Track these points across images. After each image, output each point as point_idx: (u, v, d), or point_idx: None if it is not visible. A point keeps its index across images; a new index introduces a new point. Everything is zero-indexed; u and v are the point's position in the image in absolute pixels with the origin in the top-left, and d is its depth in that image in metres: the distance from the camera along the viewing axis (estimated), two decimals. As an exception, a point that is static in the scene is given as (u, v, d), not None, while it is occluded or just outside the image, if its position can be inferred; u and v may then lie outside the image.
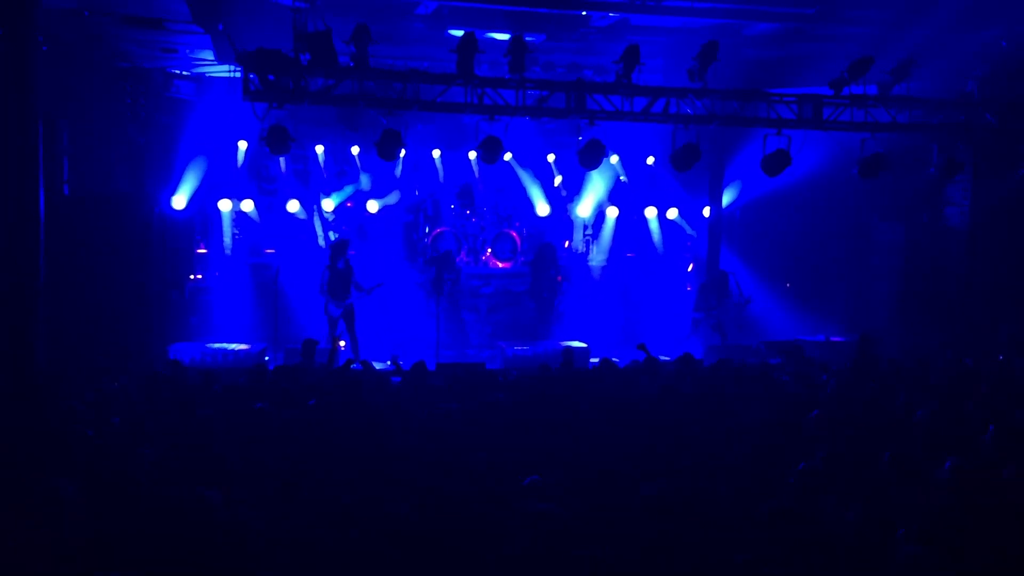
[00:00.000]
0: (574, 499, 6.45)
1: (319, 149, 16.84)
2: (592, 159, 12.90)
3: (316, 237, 17.07)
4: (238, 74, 11.68)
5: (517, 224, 18.01)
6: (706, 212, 17.54)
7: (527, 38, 12.10)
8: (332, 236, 16.88)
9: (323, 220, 17.15)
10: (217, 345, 14.26)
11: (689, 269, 18.39)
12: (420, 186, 17.76)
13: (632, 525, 6.04)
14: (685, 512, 6.10)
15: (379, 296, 15.16)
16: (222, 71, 14.13)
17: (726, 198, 17.42)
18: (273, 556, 5.68)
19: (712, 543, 5.85)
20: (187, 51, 13.67)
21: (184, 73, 15.09)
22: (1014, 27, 12.94)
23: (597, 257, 18.40)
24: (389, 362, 11.41)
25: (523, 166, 17.66)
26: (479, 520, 6.07)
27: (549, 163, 17.86)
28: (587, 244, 18.53)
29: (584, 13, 13.11)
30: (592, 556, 5.45)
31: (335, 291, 14.58)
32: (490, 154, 12.63)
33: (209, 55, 13.64)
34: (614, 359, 11.17)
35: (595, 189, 17.97)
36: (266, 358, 14.36)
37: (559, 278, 16.89)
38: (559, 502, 6.17)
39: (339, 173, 17.28)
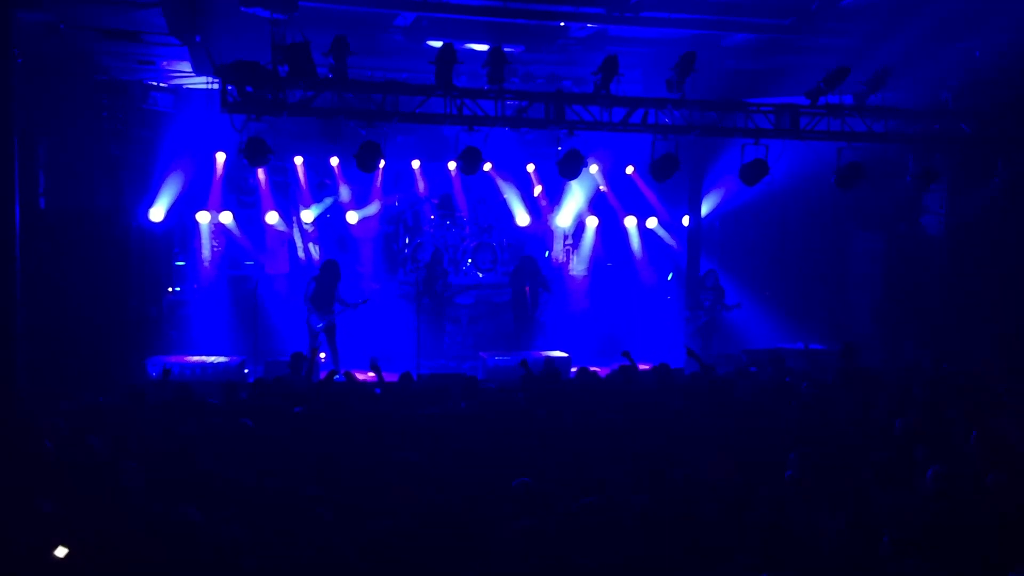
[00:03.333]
0: (560, 511, 6.45)
1: (298, 161, 16.80)
2: (571, 169, 12.93)
3: (296, 249, 17.02)
4: (216, 86, 11.63)
5: (497, 234, 18.01)
6: (685, 221, 17.63)
7: (506, 49, 12.13)
8: (312, 248, 16.84)
9: (303, 232, 17.10)
10: (196, 358, 14.16)
11: (669, 278, 18.45)
12: (400, 197, 17.74)
13: (619, 537, 6.05)
14: (671, 523, 6.10)
15: (360, 307, 15.14)
16: (200, 83, 14.05)
17: (705, 207, 17.50)
18: (257, 571, 5.64)
19: (699, 554, 5.85)
20: (164, 63, 13.60)
21: (162, 85, 15.00)
22: (988, 38, 13.09)
23: (577, 267, 18.45)
24: (370, 371, 11.37)
25: (503, 176, 17.68)
26: (465, 533, 6.06)
27: (529, 173, 17.89)
28: (567, 254, 18.57)
29: (562, 24, 13.16)
30: (580, 568, 5.45)
31: (320, 304, 14.56)
32: (470, 165, 12.64)
33: (187, 67, 13.57)
34: (593, 368, 11.21)
35: (575, 199, 18.03)
36: (245, 371, 14.28)
37: (526, 288, 16.82)
38: (545, 514, 6.17)
39: (319, 185, 17.24)
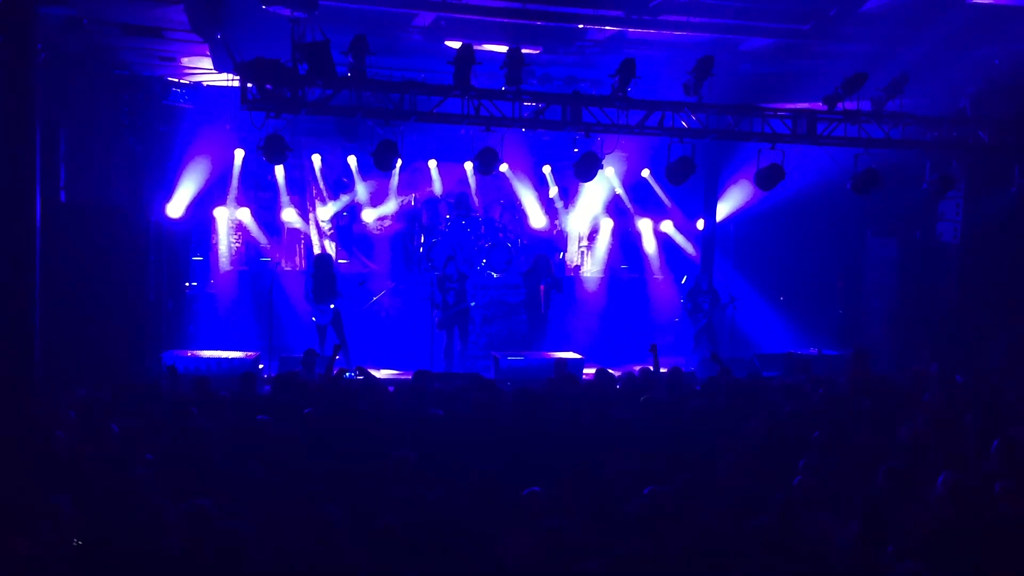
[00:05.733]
0: (568, 512, 6.48)
1: (316, 158, 16.88)
2: (587, 171, 12.97)
3: (312, 246, 17.12)
4: (236, 83, 11.73)
5: (512, 235, 18.05)
6: (700, 225, 17.64)
7: (524, 51, 12.17)
8: (328, 245, 16.94)
9: (319, 229, 17.19)
10: (211, 353, 14.25)
11: (683, 281, 18.45)
12: (416, 196, 17.79)
13: (625, 539, 6.07)
14: (678, 526, 6.12)
15: (373, 306, 15.26)
16: (220, 80, 14.17)
17: (721, 211, 17.50)
18: (266, 569, 5.69)
19: (705, 557, 5.87)
20: (185, 60, 13.70)
21: (182, 81, 15.13)
22: (1007, 45, 13.05)
23: (592, 269, 18.48)
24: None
25: (519, 177, 17.71)
26: (474, 533, 6.09)
27: (545, 174, 17.92)
28: (582, 256, 18.60)
29: (581, 27, 13.19)
30: (586, 570, 5.47)
31: (320, 297, 14.74)
32: (486, 165, 12.70)
33: (207, 64, 13.67)
34: (610, 370, 11.24)
35: (590, 201, 18.05)
36: (260, 366, 14.36)
37: (542, 288, 16.85)
38: (553, 515, 6.19)
39: (335, 182, 17.32)
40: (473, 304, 15.90)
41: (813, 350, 16.19)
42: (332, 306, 14.81)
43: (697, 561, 5.81)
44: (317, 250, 17.02)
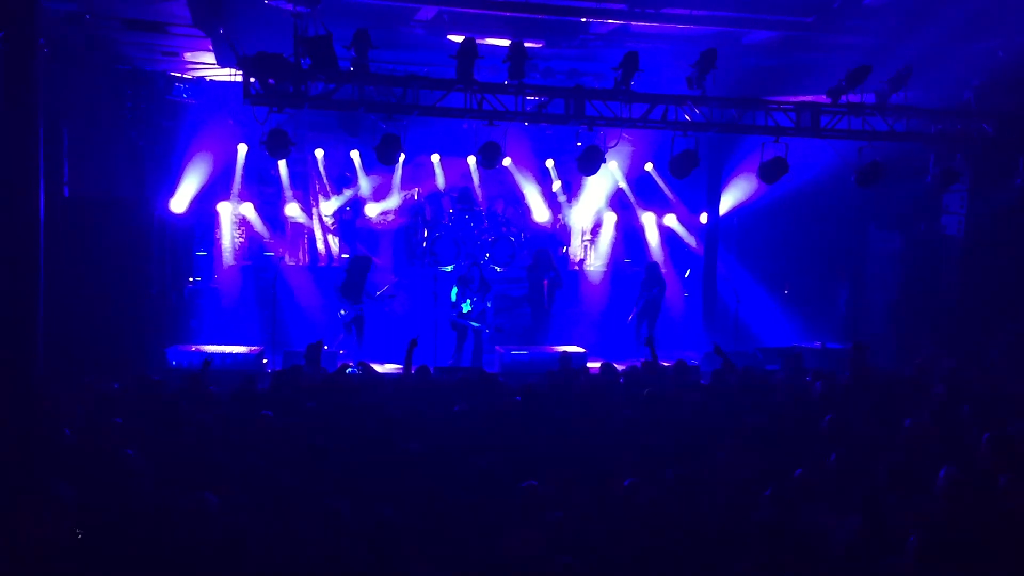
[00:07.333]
0: (569, 506, 6.48)
1: (319, 153, 16.88)
2: (590, 165, 12.97)
3: (315, 241, 17.13)
4: (239, 78, 11.73)
5: (515, 229, 18.04)
6: (704, 218, 17.62)
7: (527, 44, 12.16)
8: (332, 240, 16.97)
9: (322, 224, 17.20)
10: (214, 348, 14.27)
11: (686, 275, 18.45)
12: (419, 190, 17.79)
13: (627, 533, 6.07)
14: (680, 520, 6.12)
15: (380, 301, 15.28)
16: (223, 75, 14.17)
17: (724, 205, 17.48)
18: (268, 562, 5.70)
19: (707, 552, 5.87)
20: (188, 55, 13.72)
21: (185, 76, 15.14)
22: (1012, 38, 13.01)
23: (595, 262, 18.46)
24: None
25: (522, 171, 17.69)
26: (475, 526, 6.10)
27: (548, 168, 17.91)
28: (585, 249, 18.58)
29: (583, 20, 13.17)
30: (585, 564, 5.48)
31: (348, 294, 14.77)
32: (489, 159, 12.70)
33: (210, 59, 13.70)
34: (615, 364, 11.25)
35: (593, 194, 18.03)
36: (264, 360, 14.38)
37: (545, 281, 16.85)
38: (554, 508, 6.20)
39: (338, 177, 17.33)
40: (488, 332, 15.74)
41: (817, 343, 16.17)
42: (357, 305, 14.85)
43: (697, 555, 5.81)
44: (321, 245, 17.08)
